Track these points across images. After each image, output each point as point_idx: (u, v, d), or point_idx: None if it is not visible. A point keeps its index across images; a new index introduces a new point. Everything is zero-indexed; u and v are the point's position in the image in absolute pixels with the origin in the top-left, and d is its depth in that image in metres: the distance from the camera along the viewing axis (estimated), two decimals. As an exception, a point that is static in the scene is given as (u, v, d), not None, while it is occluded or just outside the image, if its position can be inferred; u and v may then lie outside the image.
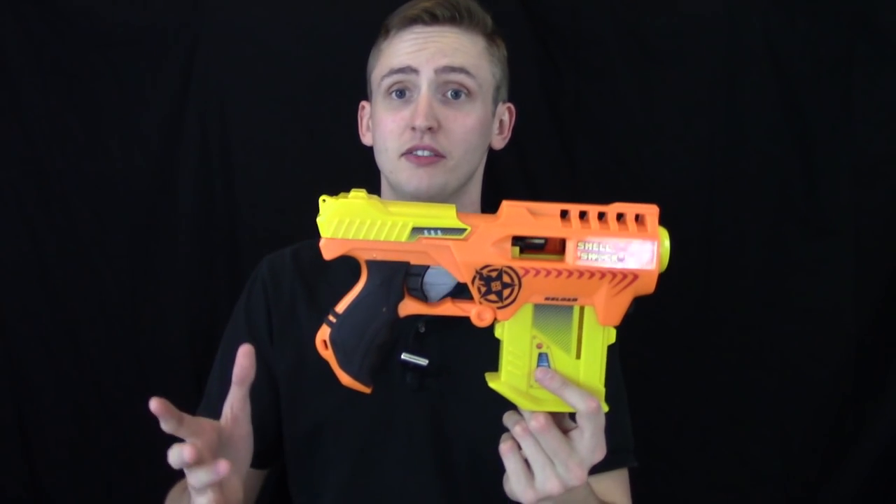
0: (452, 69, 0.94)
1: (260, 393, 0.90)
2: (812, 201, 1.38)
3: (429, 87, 0.94)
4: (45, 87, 1.35)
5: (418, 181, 0.94)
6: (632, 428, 1.03)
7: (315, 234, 0.77)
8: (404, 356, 0.94)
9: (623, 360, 1.05)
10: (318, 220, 0.76)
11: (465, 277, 0.75)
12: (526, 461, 0.76)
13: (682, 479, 1.43)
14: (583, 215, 0.75)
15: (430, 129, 0.92)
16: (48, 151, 1.37)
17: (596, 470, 0.96)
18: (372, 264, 0.76)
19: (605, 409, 0.76)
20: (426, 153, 0.93)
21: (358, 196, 0.76)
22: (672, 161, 1.39)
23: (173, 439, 1.04)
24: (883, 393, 1.39)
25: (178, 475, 1.00)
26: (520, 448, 0.77)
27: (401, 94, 0.96)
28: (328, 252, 0.76)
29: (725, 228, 1.40)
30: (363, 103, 1.08)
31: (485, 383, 0.79)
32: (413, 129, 0.93)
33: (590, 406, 0.74)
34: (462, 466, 0.95)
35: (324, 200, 0.76)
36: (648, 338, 1.39)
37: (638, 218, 0.75)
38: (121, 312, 1.39)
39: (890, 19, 1.34)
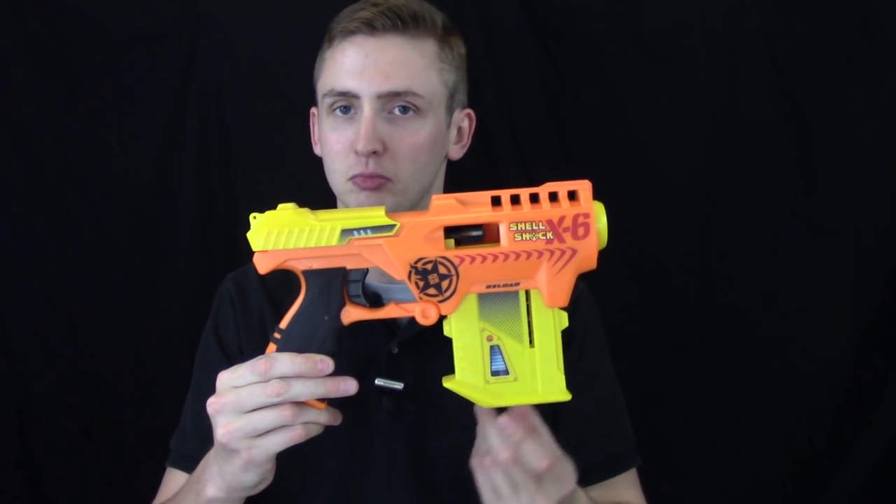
0: (396, 94, 0.88)
1: None
2: (812, 201, 1.38)
3: (372, 109, 0.88)
4: (44, 87, 1.35)
5: (367, 204, 0.90)
6: (631, 427, 1.02)
7: None
8: (378, 381, 0.90)
9: (623, 359, 1.05)
10: (248, 235, 0.75)
11: (401, 274, 0.73)
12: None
13: (683, 479, 1.43)
14: (515, 199, 0.73)
15: (374, 152, 0.87)
16: (48, 151, 1.37)
17: (605, 475, 0.96)
18: (309, 274, 0.75)
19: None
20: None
21: (286, 208, 0.75)
22: (672, 161, 1.39)
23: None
24: (883, 393, 1.39)
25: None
26: None
27: (345, 109, 0.91)
28: (262, 266, 0.75)
29: (725, 228, 1.40)
30: (313, 110, 1.00)
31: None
32: (356, 152, 0.88)
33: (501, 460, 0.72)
34: (445, 487, 0.92)
35: (254, 217, 0.75)
36: (648, 338, 1.39)
37: (572, 195, 0.73)
38: (121, 312, 1.39)
39: (890, 19, 1.34)
